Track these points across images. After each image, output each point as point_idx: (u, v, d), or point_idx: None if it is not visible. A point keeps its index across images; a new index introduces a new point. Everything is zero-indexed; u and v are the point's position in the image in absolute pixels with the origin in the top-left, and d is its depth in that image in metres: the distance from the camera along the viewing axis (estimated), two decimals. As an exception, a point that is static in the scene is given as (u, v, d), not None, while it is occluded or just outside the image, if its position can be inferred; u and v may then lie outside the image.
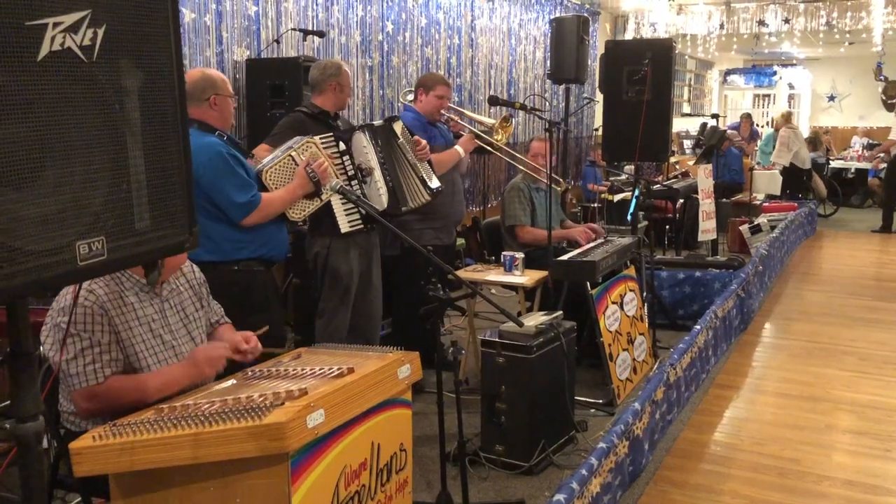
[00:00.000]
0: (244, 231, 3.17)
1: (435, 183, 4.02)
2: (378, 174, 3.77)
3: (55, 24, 1.24)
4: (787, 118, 12.69)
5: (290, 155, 3.31)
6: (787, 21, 11.47)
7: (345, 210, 3.65)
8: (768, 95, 18.99)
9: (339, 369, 2.22)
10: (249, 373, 2.41)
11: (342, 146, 3.65)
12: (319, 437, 1.97)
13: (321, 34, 5.49)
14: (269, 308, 3.29)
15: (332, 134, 3.64)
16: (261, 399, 2.01)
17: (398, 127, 3.97)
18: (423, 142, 4.06)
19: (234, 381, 2.34)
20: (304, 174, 3.28)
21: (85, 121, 1.31)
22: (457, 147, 4.47)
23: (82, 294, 2.19)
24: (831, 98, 18.27)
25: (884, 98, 17.41)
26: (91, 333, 2.20)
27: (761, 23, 11.54)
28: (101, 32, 1.32)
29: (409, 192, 3.93)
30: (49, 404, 2.28)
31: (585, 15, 7.68)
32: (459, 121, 4.65)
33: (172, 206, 1.52)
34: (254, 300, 3.21)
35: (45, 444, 2.11)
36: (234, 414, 1.91)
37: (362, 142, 3.77)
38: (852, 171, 12.98)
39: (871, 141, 14.70)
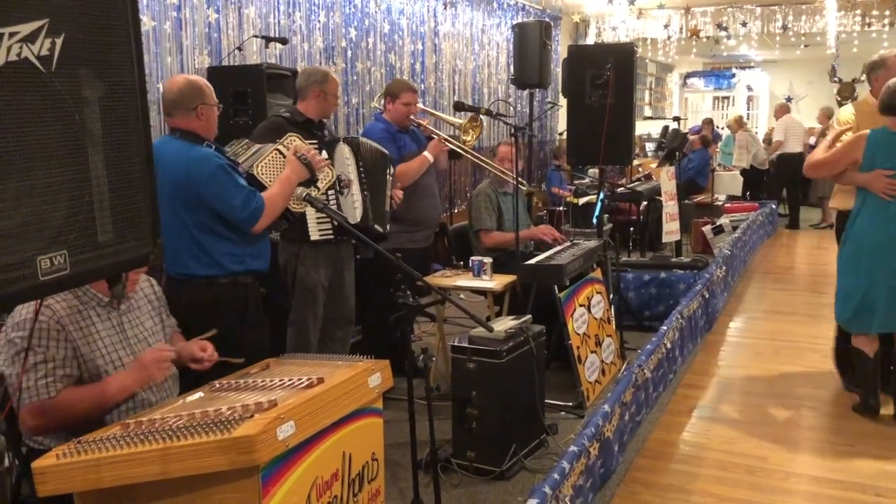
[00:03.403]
0: (242, 245, 3.10)
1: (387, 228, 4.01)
2: (356, 187, 3.76)
3: (11, 34, 1.21)
4: (739, 122, 13.00)
5: (276, 149, 3.23)
6: (744, 24, 11.67)
7: (317, 218, 3.64)
8: (727, 97, 19.31)
9: (308, 379, 2.20)
10: (217, 385, 2.38)
11: (324, 154, 3.64)
12: (290, 449, 1.95)
13: (283, 41, 5.45)
14: (261, 321, 3.26)
15: (315, 141, 3.63)
16: (229, 412, 1.99)
17: (392, 168, 4.02)
18: (401, 193, 4.11)
19: (202, 394, 2.31)
20: (296, 160, 3.19)
21: (44, 133, 1.28)
22: (426, 153, 4.47)
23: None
24: (788, 99, 18.59)
25: (838, 99, 17.75)
26: (46, 349, 2.19)
27: (720, 26, 11.72)
28: (59, 42, 1.30)
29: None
30: (11, 423, 2.23)
31: (547, 20, 7.73)
32: (428, 126, 4.65)
33: (136, 218, 1.49)
34: (249, 314, 3.17)
35: (6, 463, 2.06)
36: (202, 428, 1.88)
37: (345, 153, 3.76)
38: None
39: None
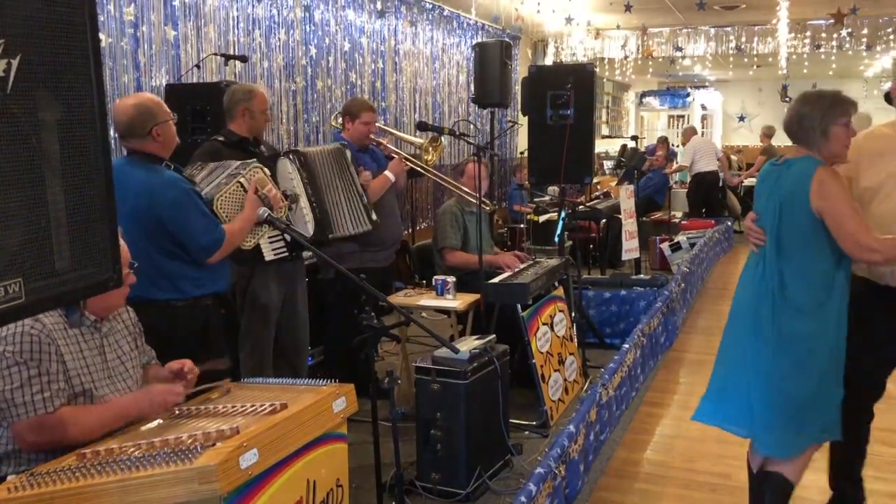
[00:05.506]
0: (201, 268, 3.06)
1: (374, 215, 4.01)
2: (304, 201, 3.70)
3: (-35, 56, 1.17)
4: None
5: (238, 182, 3.20)
6: (698, 45, 11.94)
7: (269, 238, 3.57)
8: (682, 116, 19.66)
9: (271, 405, 2.16)
10: (177, 411, 2.32)
11: (266, 172, 3.57)
12: (253, 478, 1.90)
13: (243, 59, 5.40)
14: (222, 343, 3.21)
15: (254, 160, 3.56)
16: (190, 440, 1.93)
17: (348, 154, 4.01)
18: (367, 173, 4.10)
19: (162, 421, 2.25)
20: (257, 199, 3.18)
21: (-1, 157, 1.23)
22: (386, 173, 4.45)
23: (28, 322, 2.11)
24: (741, 118, 19.03)
25: (790, 118, 18.24)
26: (39, 362, 2.13)
27: (675, 47, 11.96)
28: (15, 63, 1.25)
29: (342, 219, 3.89)
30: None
31: (507, 40, 7.79)
32: (388, 145, 4.63)
33: (95, 244, 1.44)
34: (210, 336, 3.12)
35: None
36: (162, 457, 1.83)
37: (287, 168, 3.71)
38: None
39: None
